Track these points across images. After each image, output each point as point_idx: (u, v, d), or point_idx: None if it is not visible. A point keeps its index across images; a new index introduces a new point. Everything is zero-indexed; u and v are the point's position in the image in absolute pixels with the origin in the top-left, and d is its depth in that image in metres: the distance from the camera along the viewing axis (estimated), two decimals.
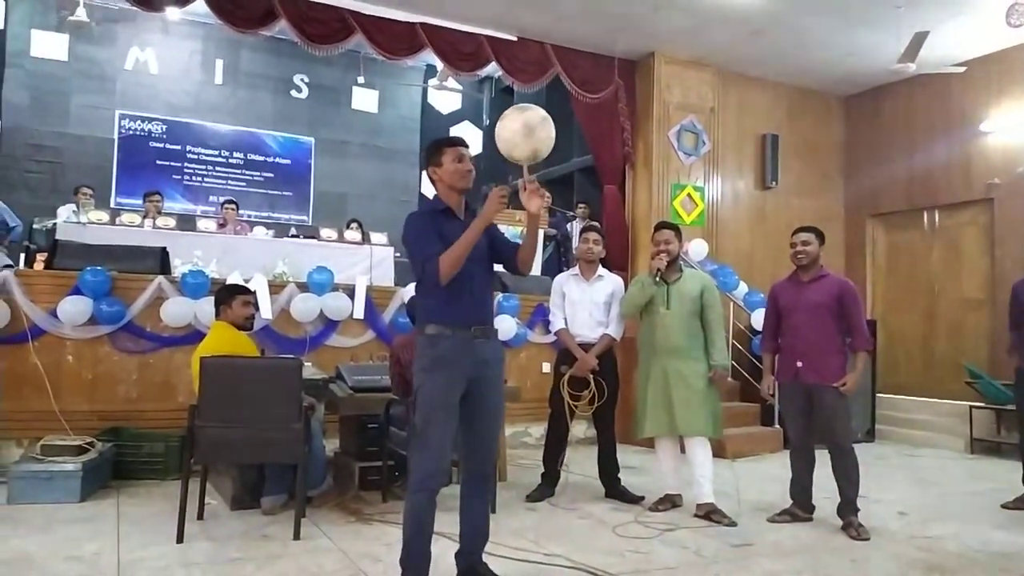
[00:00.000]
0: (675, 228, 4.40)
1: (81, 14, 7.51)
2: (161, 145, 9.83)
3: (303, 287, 5.89)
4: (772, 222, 8.07)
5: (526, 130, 2.78)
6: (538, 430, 6.19)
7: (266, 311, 5.64)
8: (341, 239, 7.34)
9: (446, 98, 11.45)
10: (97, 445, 4.60)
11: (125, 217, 6.79)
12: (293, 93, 10.62)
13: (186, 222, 7.60)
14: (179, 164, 9.94)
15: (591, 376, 4.53)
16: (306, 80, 10.61)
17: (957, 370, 7.28)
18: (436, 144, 2.99)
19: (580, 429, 6.20)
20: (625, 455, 4.97)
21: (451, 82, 9.83)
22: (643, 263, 7.26)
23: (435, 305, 2.83)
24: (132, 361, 5.35)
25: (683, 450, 4.38)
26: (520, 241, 2.97)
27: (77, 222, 6.70)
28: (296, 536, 3.60)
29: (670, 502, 4.41)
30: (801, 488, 4.23)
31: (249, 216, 9.47)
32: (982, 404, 6.81)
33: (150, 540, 3.55)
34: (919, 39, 6.33)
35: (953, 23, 6.66)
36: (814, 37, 7.14)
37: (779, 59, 7.68)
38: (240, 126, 10.31)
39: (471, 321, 2.83)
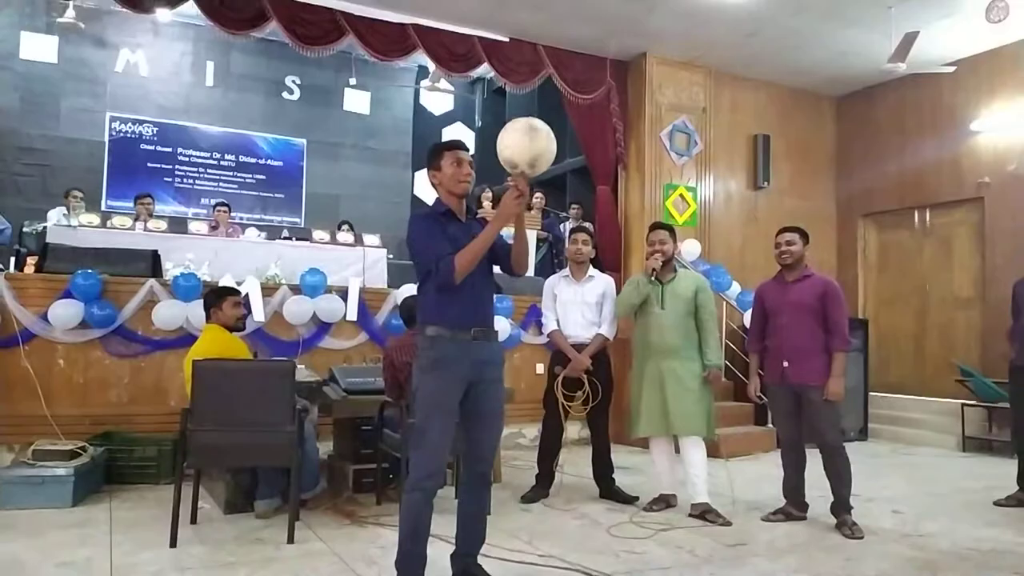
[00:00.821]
0: (669, 228, 4.42)
1: (71, 16, 7.46)
2: (152, 147, 9.79)
3: (296, 289, 5.87)
4: (764, 222, 8.09)
5: (530, 131, 2.73)
6: (532, 431, 6.19)
7: (259, 313, 5.62)
8: (334, 241, 7.32)
9: (438, 99, 11.43)
10: (89, 450, 4.57)
11: (116, 220, 6.74)
12: (284, 95, 10.60)
13: (177, 225, 7.56)
14: (170, 166, 9.90)
15: (585, 376, 4.54)
16: (297, 82, 10.59)
17: (949, 368, 7.32)
18: (436, 148, 2.98)
19: (574, 430, 6.20)
20: (619, 455, 4.97)
21: (443, 83, 9.80)
22: (636, 263, 7.28)
23: (436, 306, 2.82)
24: (124, 365, 5.32)
25: (677, 450, 4.39)
26: (511, 242, 2.96)
27: (68, 225, 6.65)
28: (290, 540, 3.59)
29: (664, 502, 4.42)
30: (793, 487, 4.24)
31: (241, 218, 9.45)
32: (974, 402, 6.84)
33: (143, 545, 3.53)
34: (909, 39, 6.36)
35: (943, 23, 6.69)
36: (805, 38, 7.16)
37: (770, 59, 7.71)
38: (231, 128, 10.27)
39: (471, 323, 2.83)
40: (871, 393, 7.64)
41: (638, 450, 5.70)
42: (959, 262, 7.73)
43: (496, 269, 3.02)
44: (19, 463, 4.40)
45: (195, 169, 10.05)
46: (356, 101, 10.23)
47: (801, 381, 4.07)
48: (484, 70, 7.45)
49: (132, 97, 9.73)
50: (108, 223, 6.67)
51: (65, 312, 5.07)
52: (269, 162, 10.48)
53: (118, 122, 9.62)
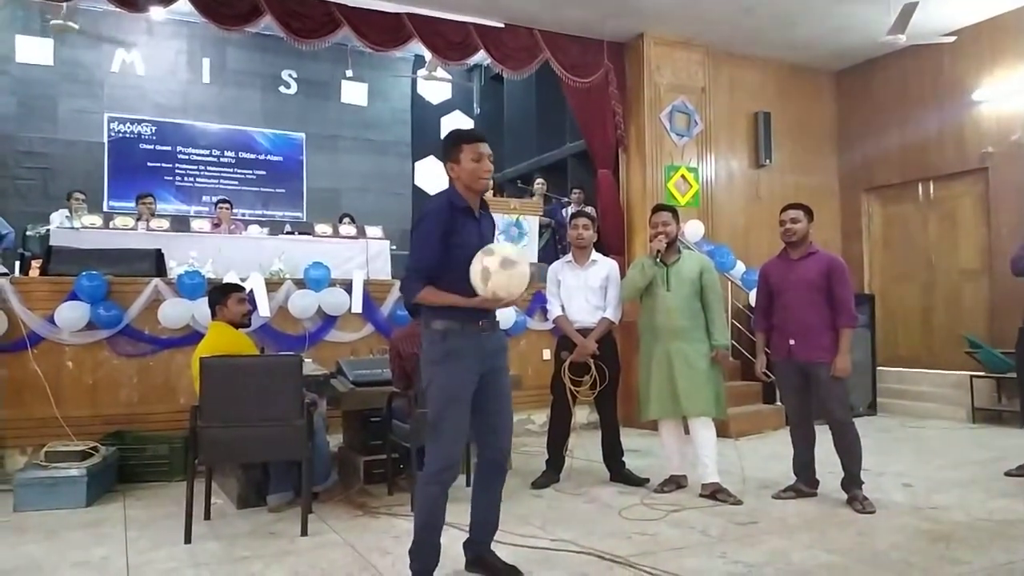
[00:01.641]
0: (672, 210, 4.41)
1: (63, 17, 7.44)
2: (151, 147, 9.79)
3: (300, 284, 5.87)
4: (767, 200, 8.05)
5: (504, 263, 2.64)
6: (541, 417, 6.20)
7: (264, 309, 5.63)
8: (336, 234, 7.32)
9: (436, 88, 11.38)
10: (101, 450, 4.60)
11: (118, 220, 6.75)
12: (282, 89, 10.58)
13: (180, 223, 7.56)
14: (170, 165, 9.91)
15: (591, 361, 4.54)
16: (294, 76, 10.56)
17: (957, 341, 7.29)
18: (454, 138, 2.89)
19: (583, 414, 6.22)
20: (628, 438, 4.98)
21: (440, 72, 9.76)
22: (639, 246, 7.26)
23: None
24: (132, 364, 5.34)
25: (687, 431, 4.39)
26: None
27: (70, 227, 6.67)
28: (303, 532, 3.61)
29: (675, 483, 4.43)
30: (803, 464, 4.24)
31: (243, 214, 9.44)
32: (982, 374, 6.83)
33: (158, 542, 3.55)
34: (908, 10, 6.29)
35: None
36: (802, 12, 7.09)
37: (768, 36, 7.64)
38: (230, 124, 10.27)
39: (477, 315, 2.82)
40: (879, 368, 7.63)
41: (647, 432, 5.71)
42: (964, 234, 7.69)
43: None
44: (32, 465, 4.43)
45: (195, 167, 10.05)
46: (353, 93, 10.20)
47: (808, 358, 4.06)
48: (481, 57, 7.40)
49: (129, 97, 9.72)
50: (111, 224, 6.67)
51: (72, 314, 5.08)
52: (269, 157, 10.47)
53: (116, 122, 9.62)
